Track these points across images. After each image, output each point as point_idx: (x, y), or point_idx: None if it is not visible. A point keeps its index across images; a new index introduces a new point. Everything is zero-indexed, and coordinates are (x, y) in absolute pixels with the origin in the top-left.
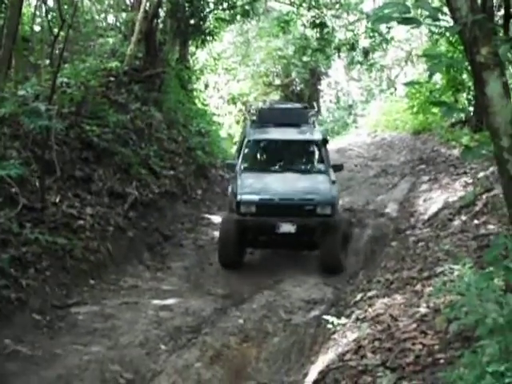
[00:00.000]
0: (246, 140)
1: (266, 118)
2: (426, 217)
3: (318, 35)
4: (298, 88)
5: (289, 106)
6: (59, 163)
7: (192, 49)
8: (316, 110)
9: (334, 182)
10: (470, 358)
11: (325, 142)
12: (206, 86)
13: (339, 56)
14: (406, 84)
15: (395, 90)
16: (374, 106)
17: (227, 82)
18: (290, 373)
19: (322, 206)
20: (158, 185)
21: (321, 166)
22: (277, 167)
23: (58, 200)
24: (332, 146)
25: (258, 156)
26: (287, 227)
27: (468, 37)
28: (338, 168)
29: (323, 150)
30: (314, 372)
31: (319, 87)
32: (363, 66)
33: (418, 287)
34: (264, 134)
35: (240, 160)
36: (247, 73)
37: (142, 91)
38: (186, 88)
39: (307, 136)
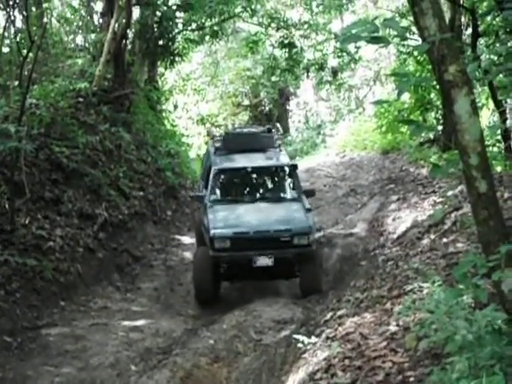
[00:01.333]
0: (212, 169)
1: (230, 144)
2: (394, 236)
3: (286, 55)
4: (267, 108)
5: (253, 129)
6: (28, 185)
7: (161, 69)
8: (281, 131)
9: (308, 210)
10: (440, 375)
11: (294, 166)
12: (175, 107)
13: (308, 76)
14: (375, 103)
15: (364, 109)
16: (342, 126)
17: (196, 102)
18: None
19: (298, 236)
20: (128, 206)
21: (293, 193)
22: (248, 197)
23: (27, 222)
24: (301, 166)
25: (227, 186)
26: (264, 261)
27: (436, 55)
28: (309, 193)
29: (294, 176)
30: None
31: (288, 107)
32: (332, 85)
33: (388, 305)
34: (230, 163)
35: (208, 191)
36: (216, 93)
37: (111, 112)
38: (154, 109)
39: (275, 162)
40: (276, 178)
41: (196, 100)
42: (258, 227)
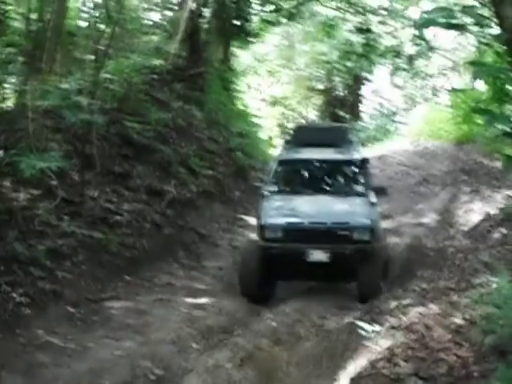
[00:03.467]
0: (277, 161)
1: (301, 138)
2: (465, 228)
3: (363, 41)
4: (341, 93)
5: (327, 125)
6: (99, 158)
7: (235, 50)
8: (355, 126)
9: (373, 205)
10: (505, 372)
11: (365, 162)
12: (249, 88)
13: (384, 62)
14: (451, 91)
15: (439, 98)
16: (417, 115)
17: (270, 84)
18: (320, 378)
19: (358, 231)
20: (197, 184)
21: (359, 188)
22: (309, 189)
23: (96, 195)
24: (373, 153)
25: (289, 178)
26: (319, 255)
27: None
28: (380, 191)
29: (363, 171)
30: (345, 378)
31: (362, 93)
32: (407, 73)
33: (455, 298)
34: (296, 154)
35: (269, 182)
36: (290, 76)
37: (185, 90)
38: (228, 89)
39: (344, 156)
40: (342, 172)
41: (270, 82)
42: (314, 218)
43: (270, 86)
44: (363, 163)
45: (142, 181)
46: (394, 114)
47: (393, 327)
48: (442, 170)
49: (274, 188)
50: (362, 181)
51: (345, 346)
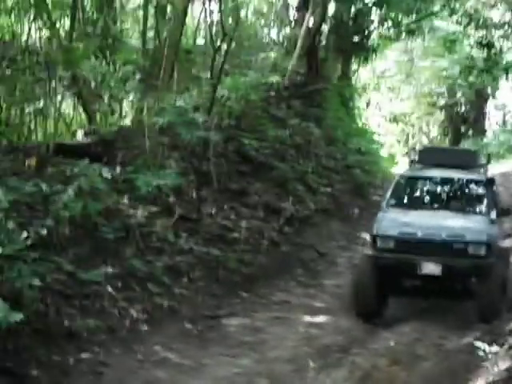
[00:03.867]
0: (398, 177)
1: (428, 158)
2: None
3: (484, 55)
4: (463, 109)
5: (455, 147)
6: (216, 175)
7: (355, 66)
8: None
9: (493, 222)
10: None
11: (490, 182)
12: (368, 104)
13: (507, 78)
14: None
15: None
16: None
17: (390, 100)
18: None
19: (474, 245)
20: (314, 201)
21: (481, 207)
22: (428, 205)
23: (213, 211)
24: (496, 169)
25: (409, 193)
26: (431, 268)
27: None
28: (505, 212)
29: (487, 191)
30: None
31: (485, 109)
32: None
33: None
34: (419, 172)
35: (388, 197)
36: (410, 92)
37: (302, 107)
38: (346, 105)
39: (468, 176)
40: (464, 191)
41: (390, 98)
42: (428, 230)
43: (390, 103)
44: (488, 183)
45: (259, 198)
46: None
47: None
48: None
49: (393, 202)
50: (485, 200)
51: (465, 366)
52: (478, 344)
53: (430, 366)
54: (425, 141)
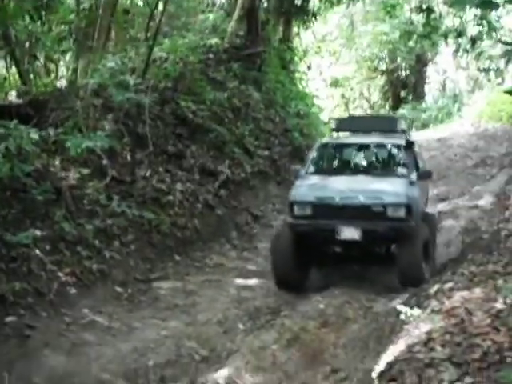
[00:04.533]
0: (317, 144)
1: (345, 125)
2: None
3: (424, 21)
4: (404, 74)
5: (376, 115)
6: (152, 138)
7: (295, 29)
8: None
9: (412, 184)
10: None
11: (410, 145)
12: (309, 68)
13: (446, 43)
14: None
15: (503, 80)
16: (479, 96)
17: (330, 65)
18: (365, 360)
19: (393, 207)
20: (252, 164)
21: (401, 170)
22: (347, 171)
23: (148, 174)
24: (434, 134)
25: (328, 160)
26: (350, 233)
27: None
28: (424, 175)
29: (407, 154)
30: (383, 362)
31: (425, 74)
32: (470, 54)
33: (500, 282)
34: (338, 139)
35: (306, 165)
36: (352, 57)
37: (242, 70)
38: (287, 69)
39: (387, 140)
40: (385, 156)
41: (330, 62)
42: (346, 194)
43: (331, 67)
44: (407, 146)
45: (195, 161)
46: (457, 95)
47: (434, 311)
48: (501, 152)
49: (312, 169)
50: (405, 163)
51: (391, 328)
52: (400, 308)
53: (357, 328)
54: (365, 105)
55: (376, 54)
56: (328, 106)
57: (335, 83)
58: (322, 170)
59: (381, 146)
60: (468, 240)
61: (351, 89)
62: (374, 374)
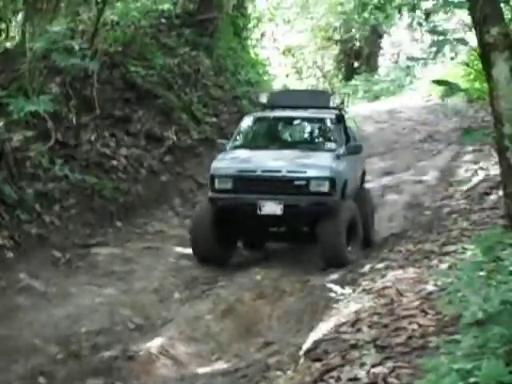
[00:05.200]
0: (244, 118)
1: (277, 101)
2: (464, 188)
3: None
4: (358, 44)
5: (308, 90)
6: (99, 101)
7: None
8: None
9: (339, 158)
10: (448, 347)
11: (339, 119)
12: (262, 36)
13: (400, 15)
14: (468, 48)
15: (456, 55)
16: (432, 70)
17: (284, 32)
18: (299, 334)
19: (315, 180)
20: (199, 131)
21: (329, 145)
22: (273, 145)
23: (93, 138)
24: (384, 106)
25: (254, 134)
26: (271, 207)
27: (478, 15)
28: (354, 150)
29: (336, 129)
30: (310, 340)
31: (380, 46)
32: (423, 28)
33: (435, 262)
34: (266, 113)
35: (232, 138)
36: (306, 25)
37: (193, 36)
38: (239, 36)
39: (316, 115)
40: (312, 130)
41: (284, 31)
42: (268, 167)
43: (285, 35)
44: (336, 121)
45: (142, 126)
46: (409, 67)
47: (365, 290)
48: (449, 127)
49: (237, 143)
50: (333, 138)
51: (326, 303)
52: (329, 285)
53: (293, 301)
54: (318, 74)
55: (331, 23)
56: (281, 74)
57: (288, 51)
58: (248, 144)
59: (309, 120)
60: (410, 216)
61: (303, 58)
62: (301, 352)
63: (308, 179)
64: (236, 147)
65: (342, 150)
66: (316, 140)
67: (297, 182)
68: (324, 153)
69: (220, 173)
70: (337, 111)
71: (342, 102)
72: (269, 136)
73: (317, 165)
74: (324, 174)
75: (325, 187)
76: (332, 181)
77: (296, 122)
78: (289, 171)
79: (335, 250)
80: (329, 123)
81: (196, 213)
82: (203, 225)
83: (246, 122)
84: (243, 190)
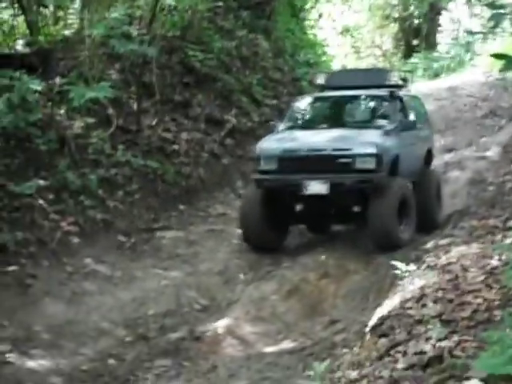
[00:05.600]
0: (295, 100)
1: (334, 81)
2: None
3: None
4: (416, 22)
5: (365, 69)
6: (159, 87)
7: None
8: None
9: (388, 134)
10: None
11: (393, 96)
12: (320, 16)
13: None
14: None
15: None
16: (492, 45)
17: (342, 12)
18: (364, 312)
19: (361, 157)
20: (259, 114)
21: (380, 122)
22: (324, 125)
23: (154, 123)
24: (444, 84)
25: (305, 115)
26: (317, 187)
27: None
28: (408, 125)
29: (390, 106)
30: (375, 317)
31: (438, 22)
32: (482, 2)
33: (499, 237)
34: (318, 94)
35: (284, 120)
36: (364, 4)
37: (251, 18)
38: (297, 17)
39: (368, 92)
40: (363, 108)
41: (342, 10)
42: (313, 145)
43: (343, 15)
44: (390, 98)
45: (202, 109)
46: (469, 43)
47: (430, 266)
48: (511, 103)
49: (288, 124)
50: (386, 115)
51: (392, 281)
52: (396, 263)
53: (358, 280)
54: (377, 53)
55: (389, 1)
56: (339, 54)
57: (346, 31)
58: (299, 125)
59: (361, 98)
60: (473, 192)
61: (361, 38)
62: (367, 329)
63: (353, 156)
64: (287, 128)
65: (393, 127)
66: (367, 118)
67: (342, 160)
68: (373, 130)
69: (265, 153)
70: (392, 89)
71: (405, 80)
72: (319, 116)
73: (362, 141)
74: (369, 151)
75: (371, 164)
76: (378, 157)
77: (347, 100)
78: (334, 149)
79: (385, 231)
80: (381, 101)
81: (243, 195)
82: (251, 208)
83: (297, 104)
84: (288, 171)
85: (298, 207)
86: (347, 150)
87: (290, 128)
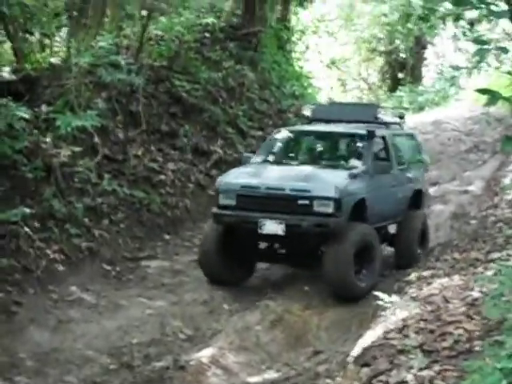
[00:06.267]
0: (273, 133)
1: (321, 114)
2: (509, 197)
3: (422, 3)
4: (402, 56)
5: (353, 103)
6: (145, 116)
7: (294, 9)
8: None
9: (355, 177)
10: (493, 350)
11: (371, 135)
12: (307, 48)
13: (444, 26)
14: None
15: (501, 64)
16: (477, 80)
17: (329, 45)
18: (347, 343)
19: (319, 200)
20: (245, 144)
21: (354, 162)
22: (294, 161)
23: (140, 153)
24: (429, 117)
25: (279, 149)
26: (273, 227)
27: None
28: (381, 168)
29: (367, 145)
30: (358, 347)
31: (424, 56)
32: (467, 37)
33: (480, 269)
34: (297, 127)
35: (257, 152)
36: (350, 37)
37: (238, 49)
38: (283, 49)
39: (345, 130)
40: (338, 146)
41: (329, 43)
42: (273, 184)
43: (329, 47)
44: (368, 137)
45: (188, 140)
46: (454, 78)
47: (412, 297)
48: (495, 137)
49: (260, 158)
50: (360, 155)
51: (374, 312)
52: (377, 293)
53: (340, 312)
54: (363, 86)
55: (375, 35)
56: (325, 86)
57: (332, 63)
58: (270, 158)
59: (337, 135)
60: (456, 225)
61: (347, 71)
62: (350, 359)
63: (311, 198)
64: (258, 162)
65: (363, 169)
66: (340, 157)
67: (300, 202)
68: (340, 171)
69: (224, 188)
70: (379, 126)
71: (402, 117)
72: (293, 151)
73: (323, 184)
74: (328, 194)
75: (329, 208)
76: (337, 201)
77: (324, 136)
78: (292, 189)
79: (339, 279)
80: (358, 139)
81: (204, 230)
82: (210, 243)
83: (273, 137)
84: (246, 208)
85: (262, 245)
86: (306, 191)
87: (262, 162)
